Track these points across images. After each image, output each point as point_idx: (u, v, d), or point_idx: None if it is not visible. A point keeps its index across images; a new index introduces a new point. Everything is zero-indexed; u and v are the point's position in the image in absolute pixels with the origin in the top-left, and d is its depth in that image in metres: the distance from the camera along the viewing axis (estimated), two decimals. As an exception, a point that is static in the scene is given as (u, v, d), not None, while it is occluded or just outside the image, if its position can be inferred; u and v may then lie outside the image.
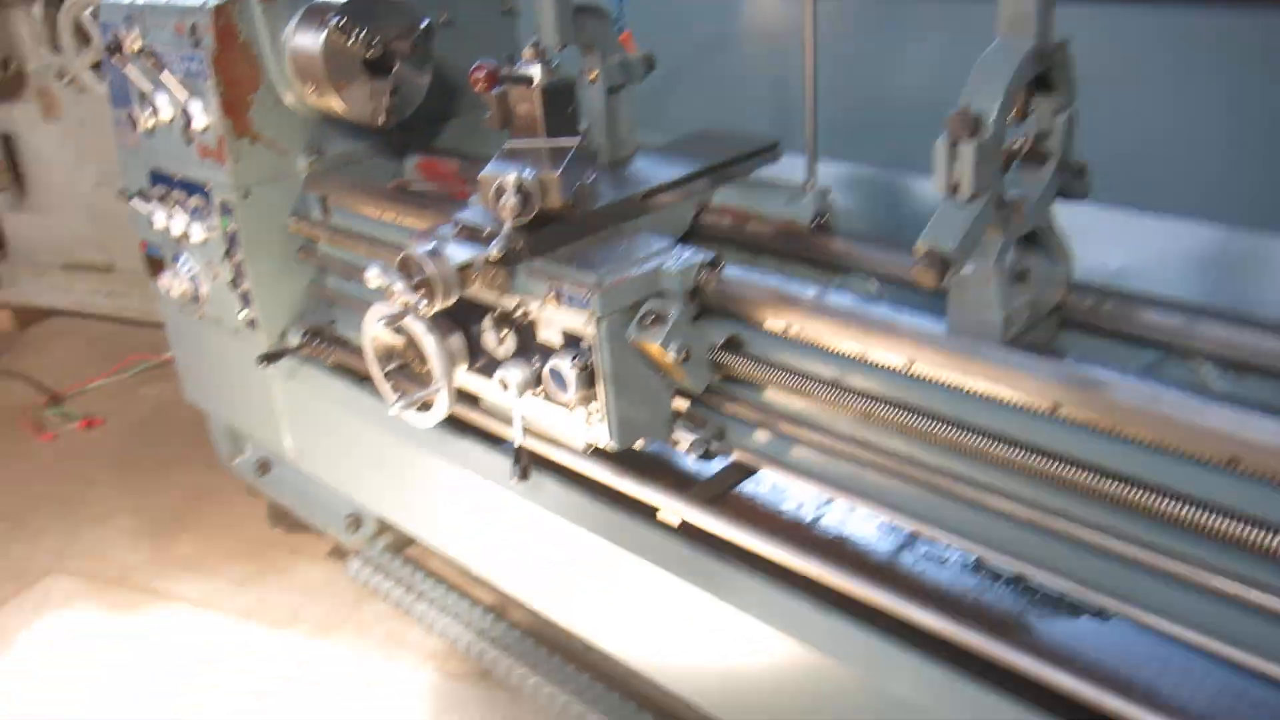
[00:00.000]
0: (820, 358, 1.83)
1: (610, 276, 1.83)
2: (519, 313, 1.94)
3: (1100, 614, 1.89)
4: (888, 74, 2.90)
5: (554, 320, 1.89)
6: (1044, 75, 1.61)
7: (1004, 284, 1.59)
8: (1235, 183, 2.34)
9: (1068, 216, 1.79)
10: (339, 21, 2.43)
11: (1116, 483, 1.46)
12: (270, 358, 2.73)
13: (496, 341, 2.01)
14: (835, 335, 1.77)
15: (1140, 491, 1.43)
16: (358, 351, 2.68)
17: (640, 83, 2.40)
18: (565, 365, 1.87)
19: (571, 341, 1.88)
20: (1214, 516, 1.37)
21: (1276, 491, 1.36)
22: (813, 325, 1.80)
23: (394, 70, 2.55)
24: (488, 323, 2.01)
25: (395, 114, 2.57)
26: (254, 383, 2.95)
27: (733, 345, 1.93)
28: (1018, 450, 1.56)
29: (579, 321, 1.84)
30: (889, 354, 1.71)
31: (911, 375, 1.70)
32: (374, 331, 2.15)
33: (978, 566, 2.06)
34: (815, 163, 2.30)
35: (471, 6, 3.06)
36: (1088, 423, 1.51)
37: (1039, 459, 1.54)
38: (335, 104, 2.50)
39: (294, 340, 2.77)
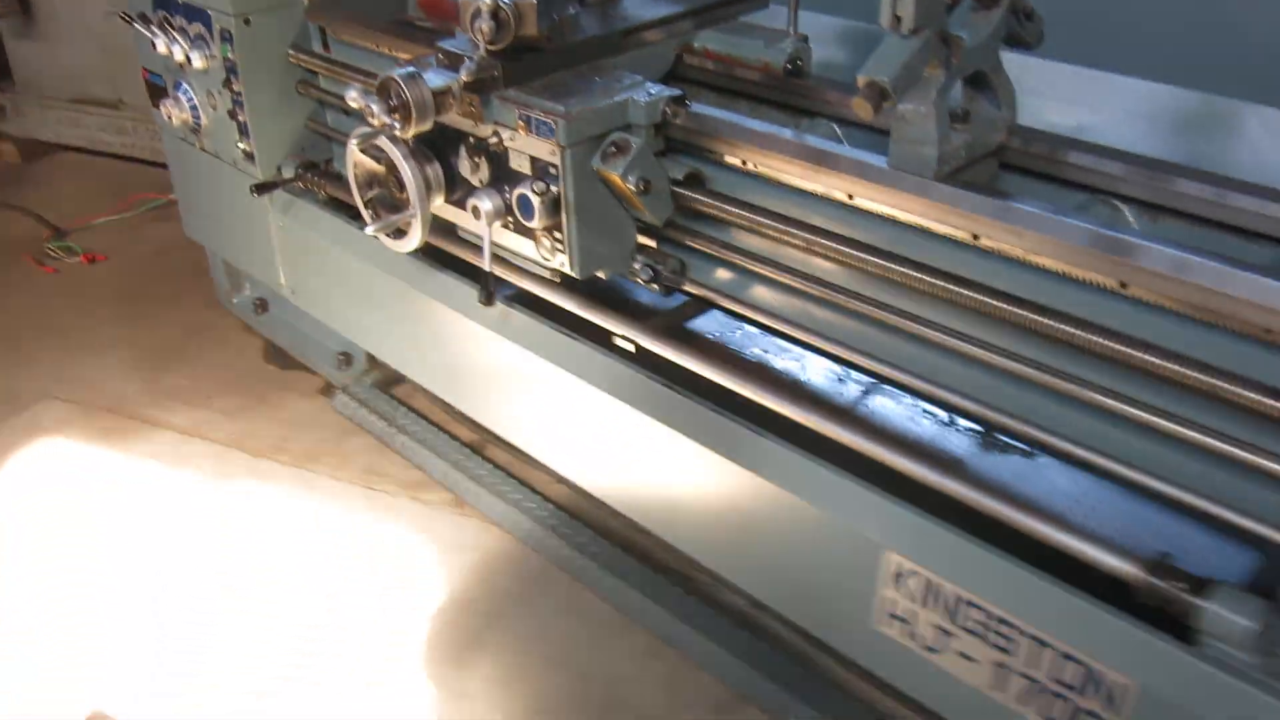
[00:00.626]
0: (775, 193, 1.99)
1: (578, 106, 1.99)
2: (493, 140, 2.11)
3: (1027, 453, 2.11)
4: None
5: (524, 148, 2.06)
6: (1000, -83, 1.72)
7: (942, 122, 1.73)
8: (1190, 45, 2.42)
9: (1022, 71, 1.92)
10: None
11: (1026, 310, 1.64)
12: (263, 188, 2.92)
13: (471, 169, 2.19)
14: (787, 169, 1.93)
15: (1038, 316, 1.61)
16: (348, 186, 2.87)
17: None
18: (531, 192, 2.04)
19: (540, 170, 2.05)
20: (1107, 339, 1.56)
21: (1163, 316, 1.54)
22: (767, 160, 1.96)
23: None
24: (463, 150, 2.18)
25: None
26: (251, 217, 3.14)
27: (693, 180, 2.10)
28: (946, 281, 1.73)
29: (545, 150, 2.01)
30: (833, 187, 1.88)
31: (853, 208, 1.87)
32: (355, 155, 2.32)
33: (925, 412, 2.27)
34: (797, 10, 2.41)
35: None
36: (1002, 252, 1.68)
37: (963, 288, 1.72)
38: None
39: (288, 173, 2.94)
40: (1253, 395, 1.43)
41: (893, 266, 1.80)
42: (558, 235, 2.10)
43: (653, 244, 2.24)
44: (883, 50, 1.66)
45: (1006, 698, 1.66)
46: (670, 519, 2.23)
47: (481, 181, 2.19)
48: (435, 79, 2.07)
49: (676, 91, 2.05)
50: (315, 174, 2.91)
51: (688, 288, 2.20)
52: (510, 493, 2.90)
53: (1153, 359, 1.53)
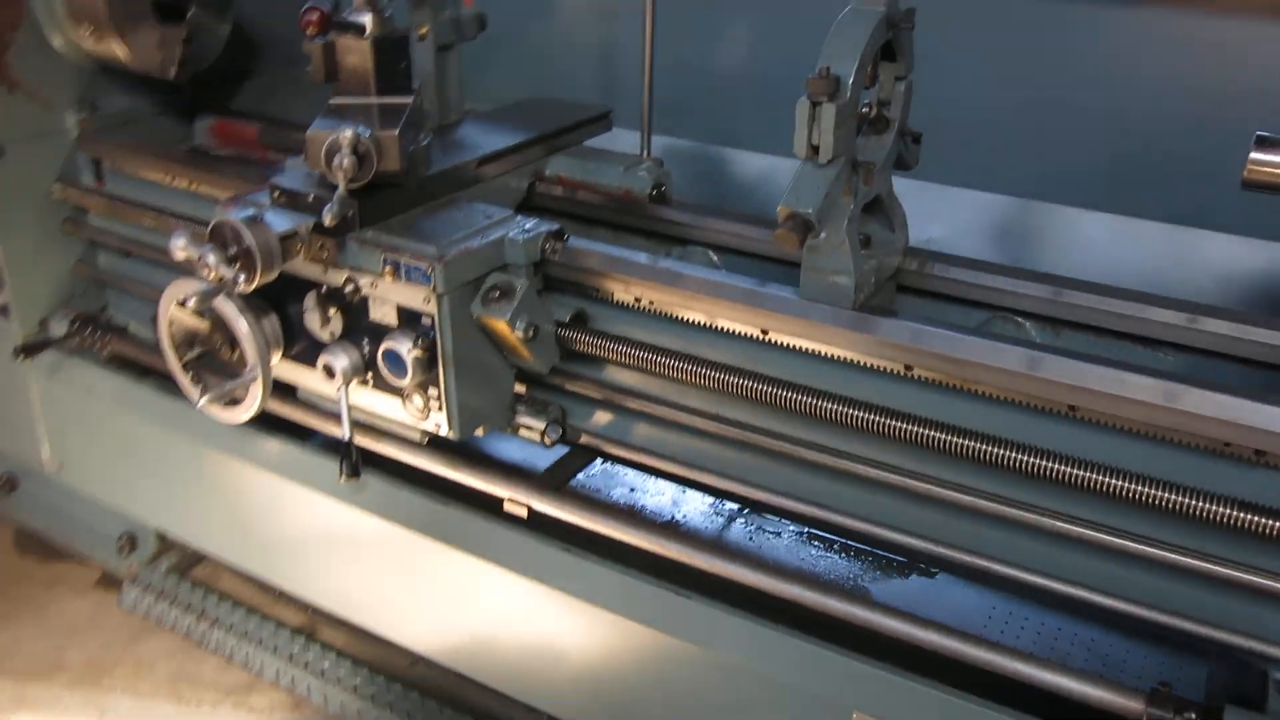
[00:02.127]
0: (673, 330, 1.94)
1: (453, 248, 1.87)
2: (349, 289, 1.94)
3: (929, 572, 2.14)
4: (710, 50, 3.06)
5: (389, 296, 1.91)
6: (888, 43, 1.79)
7: (855, 249, 1.75)
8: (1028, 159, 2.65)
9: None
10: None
11: (971, 441, 1.66)
12: (30, 349, 2.57)
13: (321, 322, 2.00)
14: (690, 306, 1.89)
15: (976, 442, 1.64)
16: (138, 341, 2.59)
17: (471, 41, 2.44)
18: (403, 347, 1.89)
19: (409, 320, 1.90)
20: (1055, 463, 1.59)
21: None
22: (666, 296, 1.91)
23: (189, 15, 2.45)
24: (311, 301, 1.99)
25: (188, 67, 2.46)
26: (4, 383, 2.75)
27: (579, 321, 2.01)
28: (871, 412, 1.73)
29: (419, 298, 1.87)
30: (745, 322, 1.85)
31: (767, 343, 1.85)
32: (172, 313, 2.08)
33: (811, 537, 2.27)
34: (650, 133, 2.42)
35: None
36: (941, 381, 1.70)
37: (892, 420, 1.72)
38: (117, 50, 2.37)
39: (58, 329, 2.61)
40: (1226, 511, 1.49)
41: (819, 403, 1.77)
42: (432, 392, 1.94)
43: (522, 389, 2.13)
44: (800, 180, 1.67)
45: None
46: (570, 697, 2.08)
47: (333, 335, 2.01)
48: (279, 221, 1.89)
49: (554, 225, 1.97)
50: (94, 329, 2.59)
51: (584, 440, 2.10)
52: (363, 684, 2.61)
53: (1095, 476, 1.57)
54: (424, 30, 2.35)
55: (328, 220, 1.79)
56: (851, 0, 1.71)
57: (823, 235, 1.74)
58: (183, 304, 2.03)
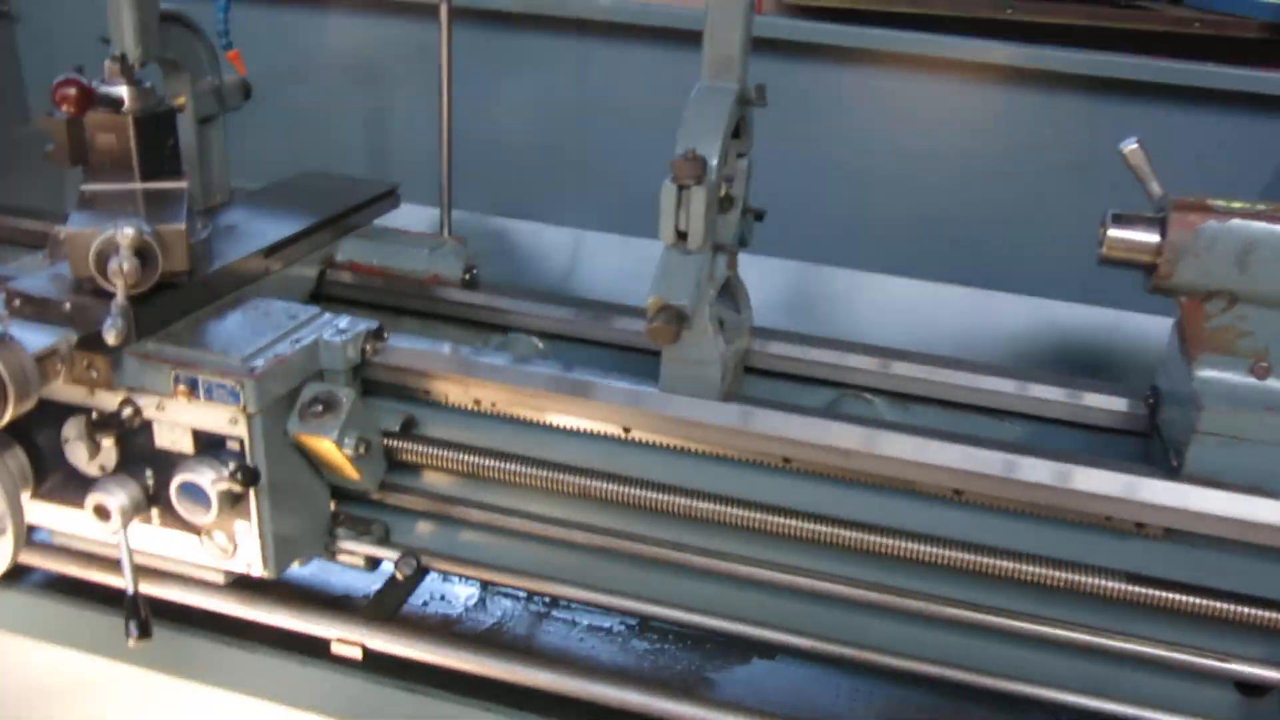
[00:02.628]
0: (515, 431, 1.78)
1: (260, 358, 1.61)
2: (126, 412, 1.63)
3: (770, 655, 2.09)
4: (487, 119, 2.94)
5: (182, 419, 1.62)
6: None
7: (718, 336, 1.67)
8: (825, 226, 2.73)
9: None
10: None
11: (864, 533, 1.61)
12: None
13: (88, 454, 1.67)
14: (541, 407, 1.73)
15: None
16: None
17: (236, 111, 2.17)
18: (205, 478, 1.60)
19: (210, 445, 1.63)
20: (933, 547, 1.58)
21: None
22: (513, 397, 1.74)
23: None
24: (75, 430, 1.66)
25: None
26: None
27: (408, 428, 1.81)
28: (750, 510, 1.65)
29: (223, 419, 1.60)
30: (603, 420, 1.72)
31: (629, 441, 1.72)
32: (-122, 458, 1.67)
33: (643, 629, 2.16)
34: (450, 209, 2.26)
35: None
36: (818, 471, 1.64)
37: (779, 516, 1.64)
38: None
39: None
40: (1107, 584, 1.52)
41: (693, 503, 1.67)
42: (239, 526, 1.67)
43: (332, 504, 1.88)
44: (669, 270, 1.57)
45: None
46: None
47: (105, 469, 1.68)
48: (32, 338, 1.56)
49: (373, 323, 1.76)
50: None
51: (426, 562, 1.87)
52: None
53: (986, 560, 1.57)
54: (181, 101, 2.06)
55: (111, 339, 1.48)
56: (702, 79, 1.64)
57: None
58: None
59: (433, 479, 1.85)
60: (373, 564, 1.89)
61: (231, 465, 1.61)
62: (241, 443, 1.61)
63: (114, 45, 1.89)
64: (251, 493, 1.63)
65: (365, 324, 1.76)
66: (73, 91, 1.60)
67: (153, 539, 1.72)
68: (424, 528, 1.89)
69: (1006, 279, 2.51)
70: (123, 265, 1.50)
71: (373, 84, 2.86)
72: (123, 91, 1.74)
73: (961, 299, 2.51)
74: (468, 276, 2.14)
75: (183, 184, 1.79)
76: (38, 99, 3.10)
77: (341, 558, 1.85)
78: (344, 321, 1.76)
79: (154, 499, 1.68)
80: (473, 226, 2.77)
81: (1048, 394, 1.84)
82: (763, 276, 2.64)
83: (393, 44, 2.85)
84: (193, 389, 1.59)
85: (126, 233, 1.50)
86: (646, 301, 1.56)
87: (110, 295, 1.57)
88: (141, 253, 1.54)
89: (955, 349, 2.51)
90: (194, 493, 1.62)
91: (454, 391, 1.77)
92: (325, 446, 1.65)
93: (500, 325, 2.12)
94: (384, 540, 1.88)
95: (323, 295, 2.15)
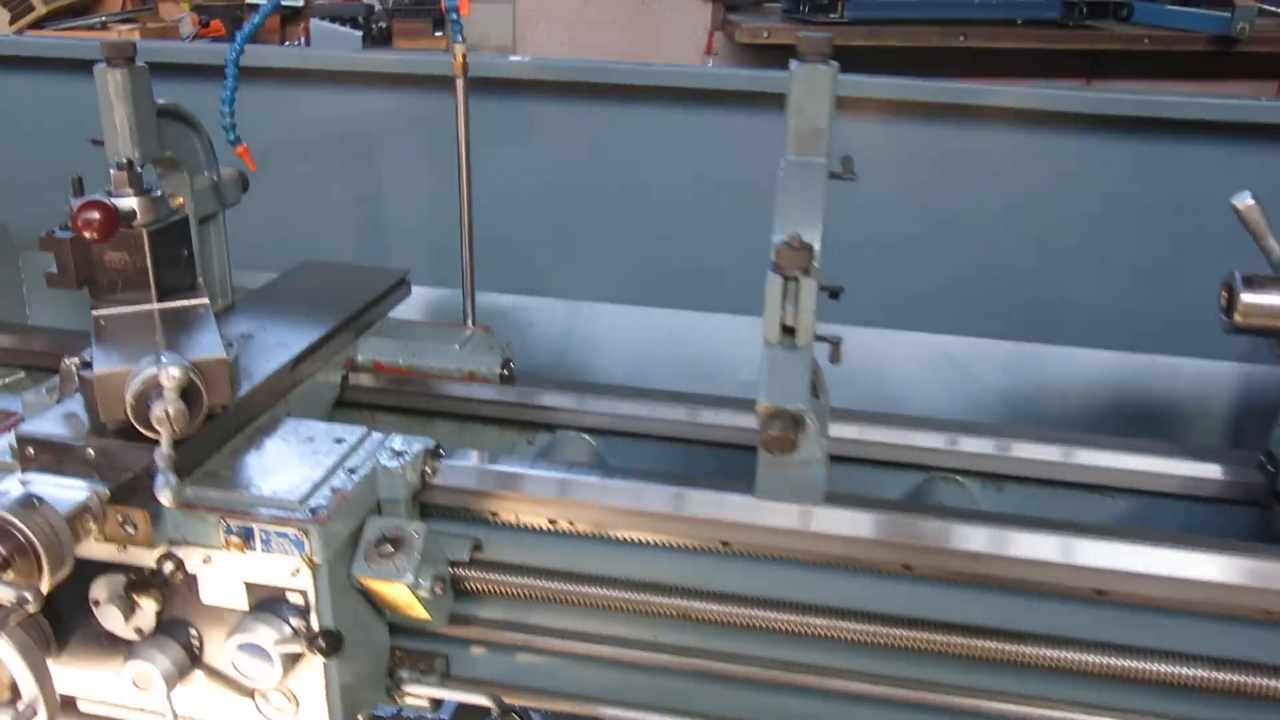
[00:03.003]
0: (595, 551, 1.63)
1: (320, 497, 1.44)
2: (168, 568, 1.44)
3: None
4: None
5: (235, 573, 1.44)
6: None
7: (821, 433, 1.55)
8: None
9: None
10: None
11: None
12: None
13: (124, 616, 1.48)
14: (629, 525, 1.58)
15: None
16: None
17: (234, 207, 2.00)
18: (267, 638, 1.42)
19: (267, 600, 1.45)
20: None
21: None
22: (597, 516, 1.59)
23: None
24: (107, 591, 1.47)
25: None
26: None
27: (477, 555, 1.64)
28: (876, 624, 1.52)
29: (284, 571, 1.42)
30: (698, 536, 1.57)
31: (718, 553, 1.58)
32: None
33: None
34: (474, 297, 2.11)
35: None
36: (939, 577, 1.52)
37: (902, 628, 1.51)
38: None
39: None
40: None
41: (799, 618, 1.54)
42: (299, 684, 1.49)
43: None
44: (778, 371, 1.44)
45: None
46: None
47: (142, 632, 1.49)
48: (61, 496, 1.37)
49: (428, 441, 1.61)
50: None
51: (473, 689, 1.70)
52: None
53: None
54: (180, 202, 1.88)
55: (167, 499, 1.30)
56: (786, 154, 1.52)
57: (776, 423, 1.52)
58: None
59: (498, 604, 1.68)
60: (437, 705, 1.72)
61: (296, 624, 1.44)
62: (305, 595, 1.43)
63: (110, 149, 1.72)
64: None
65: (421, 442, 1.60)
66: (97, 216, 1.41)
67: (197, 701, 1.53)
68: (495, 659, 1.71)
69: (1051, 330, 2.43)
70: (169, 410, 1.32)
71: (358, 158, 2.69)
72: (133, 203, 1.57)
73: (1007, 354, 2.43)
74: (505, 372, 1.99)
75: (203, 300, 1.62)
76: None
77: (407, 700, 1.68)
78: (397, 441, 1.60)
79: (197, 660, 1.50)
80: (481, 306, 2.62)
81: (1150, 465, 1.75)
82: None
83: (375, 115, 2.69)
84: (247, 539, 1.41)
85: (173, 374, 1.32)
86: (755, 407, 1.43)
87: (135, 436, 1.40)
88: (187, 394, 1.36)
89: (1005, 407, 2.43)
90: (255, 654, 1.44)
91: (525, 510, 1.62)
92: (397, 591, 1.48)
93: (545, 424, 1.97)
94: (447, 676, 1.71)
95: (346, 402, 1.98)
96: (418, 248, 2.61)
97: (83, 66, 2.74)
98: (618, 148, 2.59)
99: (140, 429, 1.36)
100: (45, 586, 1.32)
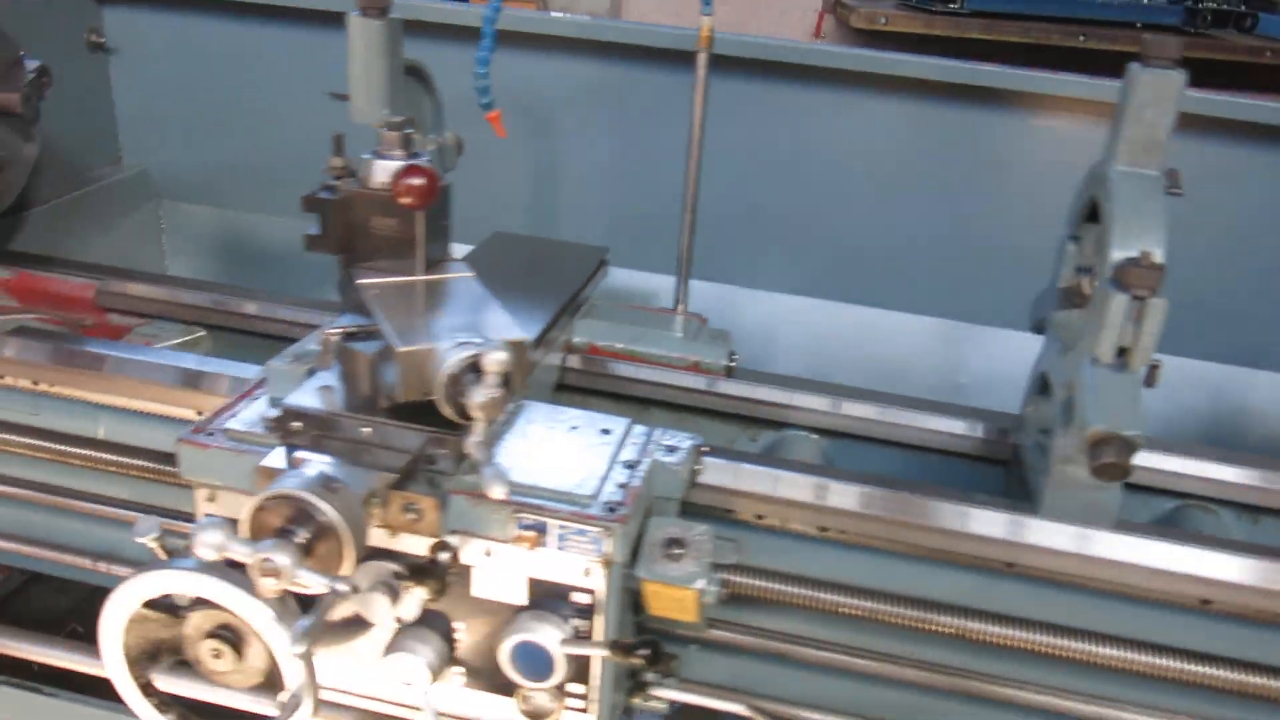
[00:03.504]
0: (856, 560, 1.57)
1: (611, 494, 1.38)
2: (443, 557, 1.37)
3: None
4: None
5: (518, 568, 1.38)
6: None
7: (1121, 456, 1.48)
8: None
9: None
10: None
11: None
12: None
13: (388, 604, 1.41)
14: (905, 538, 1.52)
15: None
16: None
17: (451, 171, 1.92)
18: (551, 638, 1.36)
19: (550, 597, 1.38)
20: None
21: None
22: (872, 529, 1.53)
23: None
24: (368, 577, 1.40)
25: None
26: None
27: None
28: (1162, 656, 1.46)
29: (575, 570, 1.36)
30: (978, 553, 1.51)
31: (1004, 573, 1.53)
32: (123, 618, 1.39)
33: None
34: (688, 282, 2.04)
35: (47, 38, 2.28)
36: (1242, 615, 1.46)
37: (1185, 663, 1.46)
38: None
39: None
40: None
41: (1084, 646, 1.48)
42: (576, 688, 1.43)
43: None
44: (1108, 394, 1.37)
45: None
46: None
47: (402, 621, 1.43)
48: (354, 477, 1.30)
49: (695, 438, 1.54)
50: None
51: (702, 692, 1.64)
52: None
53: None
54: (415, 164, 1.81)
55: (497, 491, 1.23)
56: (1116, 162, 1.44)
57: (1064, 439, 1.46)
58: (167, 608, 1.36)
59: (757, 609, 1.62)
60: (674, 707, 1.66)
61: (579, 624, 1.37)
62: (592, 595, 1.37)
63: (359, 105, 1.64)
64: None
65: (690, 438, 1.53)
66: (421, 182, 1.33)
67: (447, 699, 1.48)
68: (740, 667, 1.65)
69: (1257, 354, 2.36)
70: (491, 396, 1.25)
71: (537, 126, 2.60)
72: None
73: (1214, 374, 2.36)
74: (731, 365, 1.92)
75: (468, 273, 1.54)
76: (130, 138, 2.78)
77: (650, 704, 1.62)
78: (668, 436, 1.53)
79: (451, 658, 1.44)
80: (653, 288, 2.54)
81: None
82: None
83: (552, 83, 2.59)
84: (540, 535, 1.35)
85: (499, 357, 1.24)
86: (1085, 432, 1.36)
87: (405, 415, 1.33)
88: (507, 370, 1.28)
89: (1205, 432, 2.37)
90: (535, 657, 1.38)
91: (796, 516, 1.55)
92: (682, 594, 1.42)
93: (771, 421, 1.91)
94: (688, 679, 1.65)
95: (563, 385, 1.92)
96: (592, 222, 2.54)
97: (229, 10, 2.68)
98: (815, 132, 2.50)
99: (448, 411, 1.29)
100: (348, 573, 1.26)
